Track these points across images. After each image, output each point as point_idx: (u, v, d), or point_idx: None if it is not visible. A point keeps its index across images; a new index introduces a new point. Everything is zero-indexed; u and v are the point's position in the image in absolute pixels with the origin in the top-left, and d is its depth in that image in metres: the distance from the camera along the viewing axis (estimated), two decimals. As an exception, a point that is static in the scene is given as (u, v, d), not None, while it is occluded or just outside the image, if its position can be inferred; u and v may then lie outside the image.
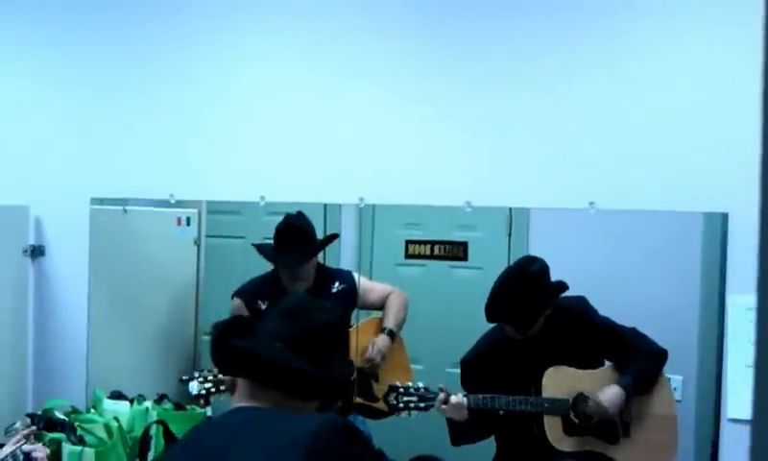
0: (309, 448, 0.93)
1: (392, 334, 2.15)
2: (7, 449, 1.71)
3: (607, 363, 1.97)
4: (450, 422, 1.95)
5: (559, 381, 1.92)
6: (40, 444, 1.79)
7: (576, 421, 1.90)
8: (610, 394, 1.89)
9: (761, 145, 0.46)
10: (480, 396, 1.92)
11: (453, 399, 1.90)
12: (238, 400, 1.10)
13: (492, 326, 2.00)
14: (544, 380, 1.92)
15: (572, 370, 1.94)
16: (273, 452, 0.96)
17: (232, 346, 1.08)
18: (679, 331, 1.93)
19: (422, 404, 1.96)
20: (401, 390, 1.97)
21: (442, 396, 1.91)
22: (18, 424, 1.92)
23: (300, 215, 2.16)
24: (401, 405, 1.96)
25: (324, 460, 0.94)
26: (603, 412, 1.88)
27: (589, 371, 1.95)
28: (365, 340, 2.18)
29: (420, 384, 1.98)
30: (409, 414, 1.96)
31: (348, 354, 1.19)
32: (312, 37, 2.17)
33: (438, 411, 1.93)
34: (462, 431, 1.94)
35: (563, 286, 1.94)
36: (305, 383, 1.07)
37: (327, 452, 0.94)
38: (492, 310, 1.94)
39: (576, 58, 1.96)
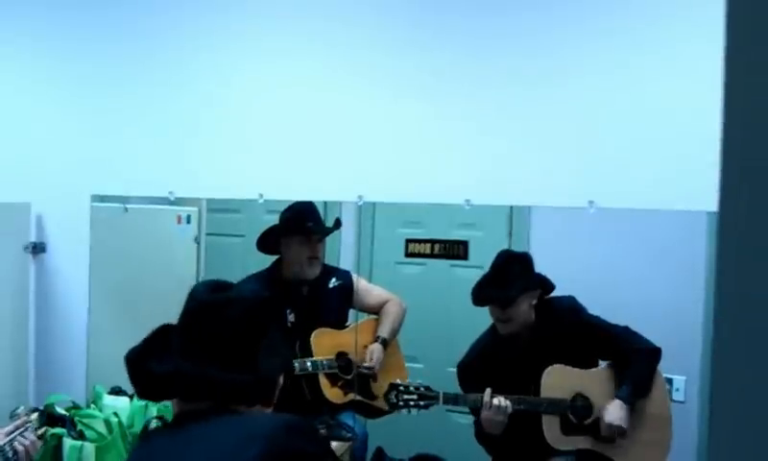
0: (266, 445, 0.91)
1: (385, 343, 2.17)
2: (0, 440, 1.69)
3: (601, 362, 1.96)
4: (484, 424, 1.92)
5: (558, 381, 1.92)
6: (32, 433, 1.76)
7: (574, 420, 1.89)
8: (615, 411, 1.88)
9: (721, 155, 0.46)
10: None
11: (495, 400, 1.88)
12: (177, 408, 1.05)
13: (483, 330, 2.01)
14: (543, 379, 1.91)
15: (571, 369, 1.93)
16: (228, 449, 0.94)
17: (153, 373, 1.01)
18: (681, 331, 1.90)
19: (422, 403, 1.96)
20: (402, 388, 1.97)
21: (487, 398, 1.89)
22: (21, 409, 1.91)
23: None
24: (401, 403, 1.96)
25: (279, 458, 0.93)
26: (616, 430, 1.87)
27: (588, 370, 1.94)
28: (363, 340, 2.18)
29: (420, 383, 1.98)
30: (408, 412, 1.96)
31: (278, 331, 1.08)
32: (311, 35, 2.16)
33: (483, 412, 1.90)
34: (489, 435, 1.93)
35: (548, 281, 1.95)
36: (239, 394, 1.00)
37: (282, 450, 0.93)
38: (476, 294, 1.96)
39: (577, 55, 1.94)
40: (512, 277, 1.95)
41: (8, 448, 1.64)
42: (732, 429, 0.44)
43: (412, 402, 1.96)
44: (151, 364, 1.02)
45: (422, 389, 1.96)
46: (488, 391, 1.90)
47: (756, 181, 0.45)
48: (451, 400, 1.96)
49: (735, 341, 0.44)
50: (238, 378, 1.00)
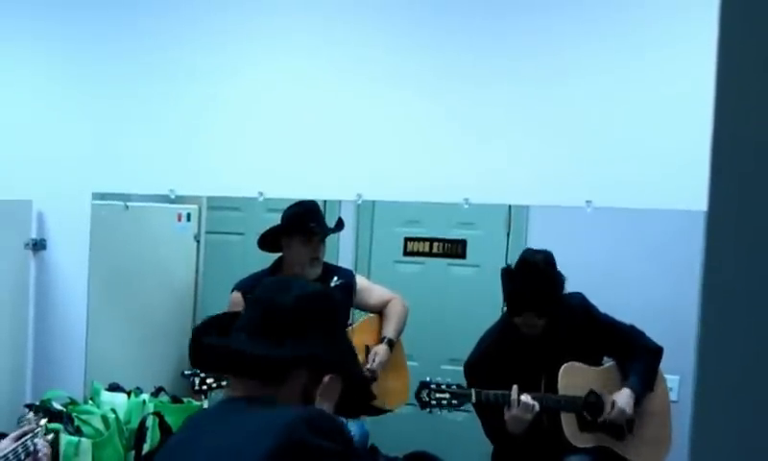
0: (279, 438, 0.91)
1: (391, 344, 2.16)
2: (9, 445, 1.69)
3: (609, 361, 1.97)
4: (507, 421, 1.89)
5: (574, 378, 1.92)
6: (42, 439, 1.76)
7: (589, 417, 1.91)
8: (625, 397, 1.90)
9: (710, 155, 0.47)
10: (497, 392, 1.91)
11: (524, 398, 1.86)
12: (227, 394, 1.12)
13: (489, 326, 2.00)
14: (561, 378, 1.91)
15: (585, 367, 1.94)
16: (241, 439, 0.94)
17: (204, 344, 1.08)
18: (676, 331, 1.91)
19: (455, 402, 1.93)
20: (433, 386, 1.94)
21: (514, 395, 1.86)
22: (31, 415, 1.91)
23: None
24: (434, 402, 1.93)
25: (293, 452, 0.91)
26: (626, 416, 1.89)
27: (600, 368, 1.96)
28: (362, 339, 2.18)
29: (451, 381, 1.95)
30: (440, 411, 1.93)
31: (331, 332, 1.09)
32: (311, 34, 2.18)
33: (510, 410, 1.87)
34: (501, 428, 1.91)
35: (562, 275, 1.95)
36: (258, 366, 1.03)
37: (298, 444, 0.92)
38: (520, 301, 1.91)
39: (574, 55, 1.96)
40: (550, 281, 1.91)
41: (20, 450, 1.63)
42: (715, 426, 0.44)
43: (444, 401, 1.92)
44: (208, 337, 1.09)
45: (454, 387, 1.93)
46: (514, 388, 1.87)
47: (745, 181, 0.46)
48: (482, 397, 1.91)
49: (721, 339, 0.45)
50: (260, 352, 1.02)
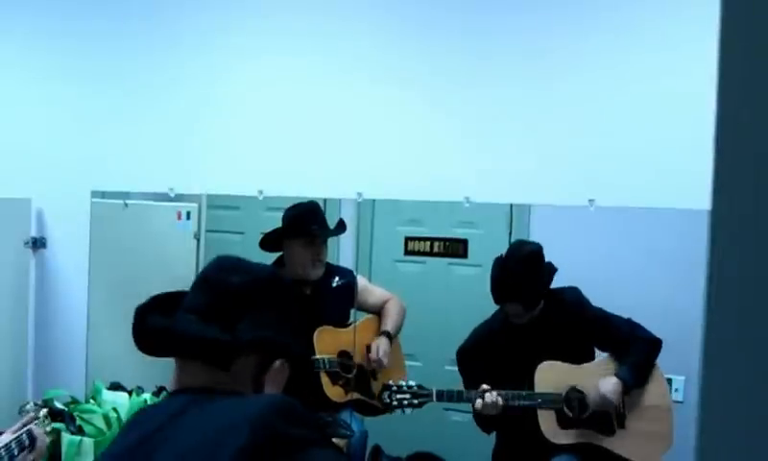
0: (252, 433, 0.87)
1: (389, 336, 2.16)
2: (9, 437, 1.69)
3: (600, 356, 1.96)
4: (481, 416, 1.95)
5: (550, 376, 1.92)
6: (41, 429, 1.76)
7: (570, 414, 1.89)
8: (610, 385, 1.88)
9: (714, 153, 0.46)
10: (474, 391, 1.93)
11: (488, 397, 1.90)
12: (172, 385, 1.04)
13: (484, 318, 2.00)
14: (537, 375, 1.92)
15: (564, 364, 1.93)
16: (210, 437, 0.90)
17: (149, 326, 1.02)
18: (681, 331, 1.89)
19: (416, 401, 1.98)
20: (394, 388, 1.99)
21: (480, 393, 1.91)
22: (30, 406, 1.91)
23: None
24: (395, 403, 1.98)
25: (269, 444, 0.87)
26: (608, 404, 1.88)
27: (581, 365, 1.95)
28: (362, 339, 2.18)
29: (413, 382, 2.00)
30: (403, 411, 1.98)
31: (284, 315, 1.05)
32: (311, 33, 2.17)
33: (476, 406, 1.92)
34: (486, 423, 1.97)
35: (553, 267, 1.94)
36: (208, 350, 0.98)
37: (272, 436, 0.88)
38: (502, 290, 1.93)
39: (577, 53, 1.94)
40: (533, 273, 1.92)
41: (14, 445, 1.63)
42: (722, 428, 0.43)
43: (405, 402, 1.97)
44: (153, 318, 1.03)
45: (415, 387, 1.98)
46: (482, 387, 1.91)
47: (750, 177, 0.44)
48: (444, 396, 1.97)
49: (728, 340, 0.44)
50: (210, 334, 0.97)
